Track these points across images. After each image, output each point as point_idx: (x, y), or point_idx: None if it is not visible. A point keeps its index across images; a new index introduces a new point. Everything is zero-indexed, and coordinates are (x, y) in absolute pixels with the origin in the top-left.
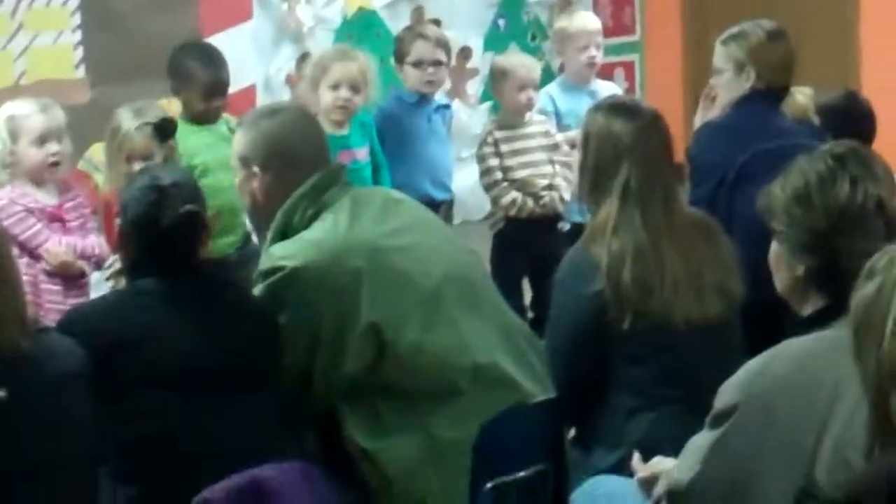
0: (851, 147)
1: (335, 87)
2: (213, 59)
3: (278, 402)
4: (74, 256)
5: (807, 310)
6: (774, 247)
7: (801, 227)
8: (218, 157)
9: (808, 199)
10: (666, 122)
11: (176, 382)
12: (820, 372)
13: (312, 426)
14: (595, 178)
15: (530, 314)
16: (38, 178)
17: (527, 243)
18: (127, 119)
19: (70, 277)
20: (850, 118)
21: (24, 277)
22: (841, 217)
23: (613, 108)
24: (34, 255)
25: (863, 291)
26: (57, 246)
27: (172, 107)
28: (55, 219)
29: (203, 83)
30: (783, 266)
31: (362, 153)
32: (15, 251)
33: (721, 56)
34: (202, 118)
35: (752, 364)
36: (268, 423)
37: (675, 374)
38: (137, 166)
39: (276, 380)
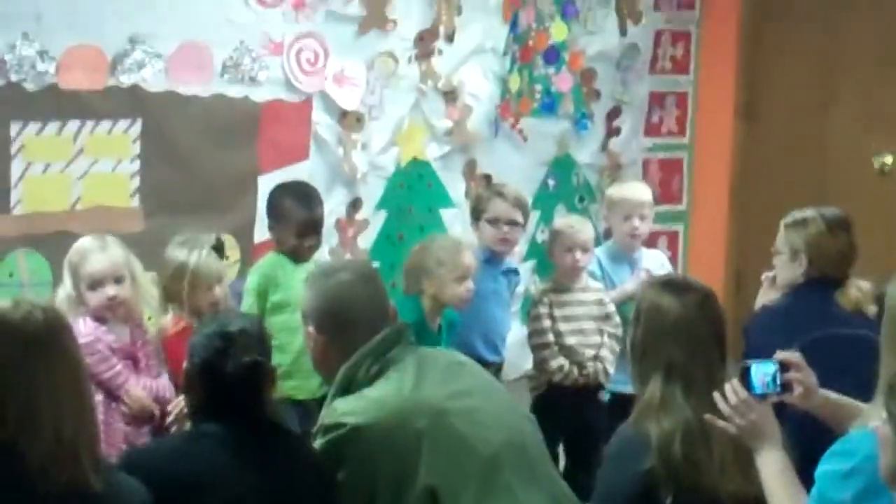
0: None
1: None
2: (309, 198)
3: None
4: (151, 399)
5: None
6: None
7: None
8: None
9: None
10: (717, 302)
11: None
12: None
13: None
14: (642, 355)
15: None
16: (101, 318)
17: (566, 410)
18: (184, 253)
19: (141, 419)
20: None
21: (99, 417)
22: None
23: (664, 284)
24: (112, 396)
25: None
26: (138, 389)
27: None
28: (128, 357)
29: (297, 221)
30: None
31: None
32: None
33: (781, 238)
34: (294, 255)
35: None
36: None
37: None
38: (219, 291)
39: None
